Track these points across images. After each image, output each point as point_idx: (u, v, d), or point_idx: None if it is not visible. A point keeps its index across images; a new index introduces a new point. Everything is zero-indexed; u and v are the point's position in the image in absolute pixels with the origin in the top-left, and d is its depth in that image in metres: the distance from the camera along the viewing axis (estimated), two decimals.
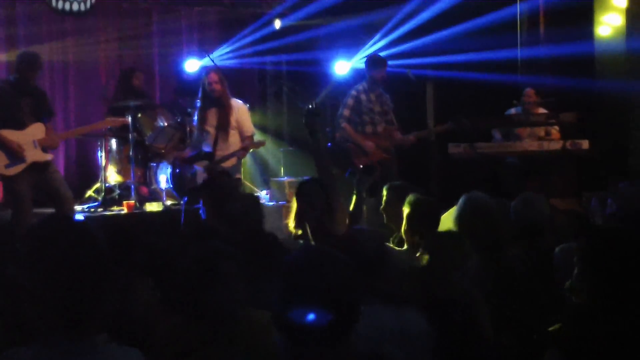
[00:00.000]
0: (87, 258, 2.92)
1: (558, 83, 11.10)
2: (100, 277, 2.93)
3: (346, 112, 10.04)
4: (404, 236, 5.87)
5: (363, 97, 9.99)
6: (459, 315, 4.40)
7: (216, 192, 7.15)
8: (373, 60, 10.15)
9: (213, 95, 9.02)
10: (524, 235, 5.66)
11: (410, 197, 5.97)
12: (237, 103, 9.21)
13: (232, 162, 9.10)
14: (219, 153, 9.01)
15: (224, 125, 9.01)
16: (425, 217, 5.79)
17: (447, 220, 6.51)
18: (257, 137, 11.57)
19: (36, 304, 3.00)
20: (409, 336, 3.95)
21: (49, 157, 8.60)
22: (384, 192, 6.81)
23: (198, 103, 9.38)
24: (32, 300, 3.83)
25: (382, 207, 6.74)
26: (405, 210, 5.87)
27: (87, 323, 2.90)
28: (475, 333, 4.42)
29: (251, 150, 9.38)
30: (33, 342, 2.97)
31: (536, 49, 12.04)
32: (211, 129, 9.07)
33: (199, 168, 9.13)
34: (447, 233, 5.38)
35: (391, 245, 6.31)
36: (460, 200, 5.69)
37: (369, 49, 12.55)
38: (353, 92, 10.06)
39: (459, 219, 5.62)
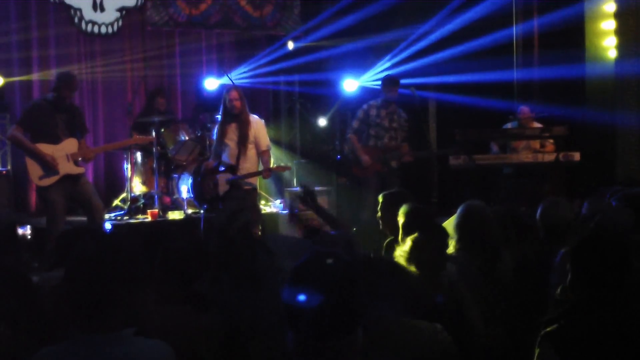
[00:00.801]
0: (110, 261, 2.98)
1: (550, 112, 11.17)
2: (122, 277, 2.99)
3: (355, 124, 10.32)
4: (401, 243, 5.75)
5: (373, 112, 10.20)
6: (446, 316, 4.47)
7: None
8: (386, 81, 10.34)
9: (233, 111, 9.06)
10: (550, 234, 5.69)
11: (405, 207, 5.90)
12: (254, 118, 9.26)
13: (255, 179, 9.19)
14: (241, 165, 9.07)
15: (244, 140, 9.06)
16: (421, 225, 5.70)
17: (448, 227, 6.56)
18: (272, 150, 11.68)
19: (64, 302, 3.05)
20: None
21: (80, 170, 8.72)
22: (380, 200, 6.79)
23: (218, 118, 9.44)
24: (61, 299, 3.91)
25: (378, 214, 6.66)
26: (401, 219, 5.81)
27: (112, 319, 2.96)
28: (464, 331, 4.47)
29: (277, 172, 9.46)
30: (60, 341, 3.02)
31: (531, 70, 12.11)
32: (231, 143, 9.11)
33: (223, 178, 9.17)
34: (430, 234, 5.40)
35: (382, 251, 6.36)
36: (460, 208, 5.74)
37: (376, 69, 12.66)
38: (365, 106, 10.33)
39: (459, 225, 5.68)
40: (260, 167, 9.19)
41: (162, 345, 3.05)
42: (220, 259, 4.97)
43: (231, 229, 5.24)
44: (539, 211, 5.81)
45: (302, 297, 2.47)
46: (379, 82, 10.70)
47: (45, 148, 8.41)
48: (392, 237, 6.30)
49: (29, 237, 9.77)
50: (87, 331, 2.93)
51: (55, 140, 8.50)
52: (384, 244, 6.46)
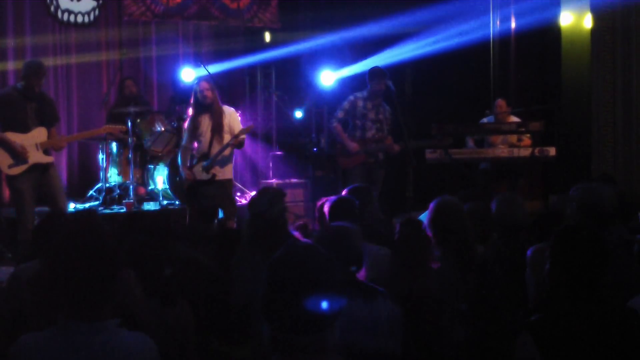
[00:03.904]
0: (102, 250, 2.94)
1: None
2: (113, 267, 2.95)
3: (340, 114, 10.10)
4: None
5: (360, 103, 10.04)
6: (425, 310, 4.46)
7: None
8: (372, 73, 10.17)
9: (205, 102, 8.99)
10: (506, 233, 5.69)
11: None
12: (227, 109, 9.21)
13: (227, 151, 9.08)
14: (213, 152, 9.01)
15: (218, 129, 8.98)
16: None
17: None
18: (248, 141, 11.59)
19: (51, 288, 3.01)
20: (379, 326, 3.98)
21: (49, 159, 8.63)
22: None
23: (190, 111, 9.34)
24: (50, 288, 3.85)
25: None
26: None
27: (98, 308, 2.91)
28: (440, 328, 4.47)
29: (243, 136, 9.26)
30: (45, 328, 2.97)
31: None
32: (204, 133, 9.05)
33: (198, 167, 9.10)
34: (414, 228, 5.39)
35: None
36: (432, 204, 5.72)
37: (355, 62, 12.57)
38: (351, 97, 10.12)
39: (433, 221, 5.65)
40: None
41: (145, 338, 3.00)
42: (254, 241, 5.23)
43: (271, 213, 5.41)
44: (492, 206, 5.80)
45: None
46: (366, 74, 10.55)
47: (14, 137, 8.32)
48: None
49: None
50: (72, 318, 2.88)
51: (24, 129, 8.40)
52: None
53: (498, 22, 12.34)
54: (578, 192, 5.50)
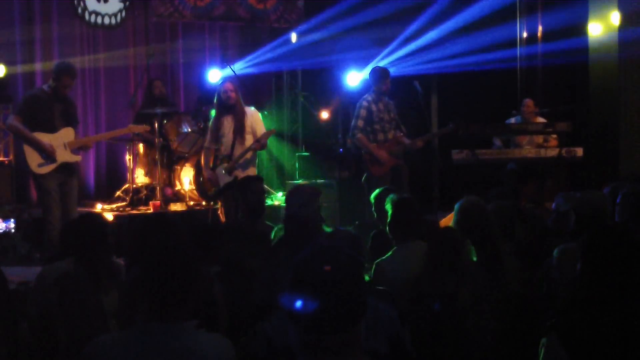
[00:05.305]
0: (182, 252, 2.93)
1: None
2: (192, 268, 2.94)
3: (360, 123, 9.94)
4: (389, 234, 5.80)
5: (373, 107, 9.93)
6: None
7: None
8: (379, 73, 10.09)
9: (228, 102, 9.00)
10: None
11: (392, 197, 5.94)
12: (250, 110, 9.21)
13: (249, 154, 9.06)
14: (235, 154, 9.01)
15: (240, 130, 8.99)
16: (410, 216, 5.71)
17: (448, 223, 6.54)
18: (274, 142, 11.60)
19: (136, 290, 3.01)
20: (377, 325, 3.96)
21: (77, 158, 8.74)
22: (373, 199, 6.91)
23: (213, 112, 9.35)
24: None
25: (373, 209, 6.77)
26: (389, 209, 5.82)
27: (179, 310, 2.91)
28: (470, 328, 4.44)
29: (266, 139, 9.26)
30: (121, 328, 2.97)
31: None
32: (227, 135, 9.06)
33: (221, 169, 9.10)
34: (447, 230, 5.39)
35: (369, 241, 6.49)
36: (457, 205, 5.70)
37: (380, 61, 12.54)
38: (364, 104, 9.97)
39: (458, 222, 5.63)
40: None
41: (222, 340, 3.00)
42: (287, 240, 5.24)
43: (304, 213, 5.44)
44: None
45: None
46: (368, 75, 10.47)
47: (42, 137, 8.40)
48: (380, 227, 6.44)
49: (13, 230, 9.77)
50: (151, 320, 2.90)
51: (52, 129, 8.49)
52: (371, 235, 6.64)
53: (525, 28, 12.30)
54: (572, 203, 5.43)
